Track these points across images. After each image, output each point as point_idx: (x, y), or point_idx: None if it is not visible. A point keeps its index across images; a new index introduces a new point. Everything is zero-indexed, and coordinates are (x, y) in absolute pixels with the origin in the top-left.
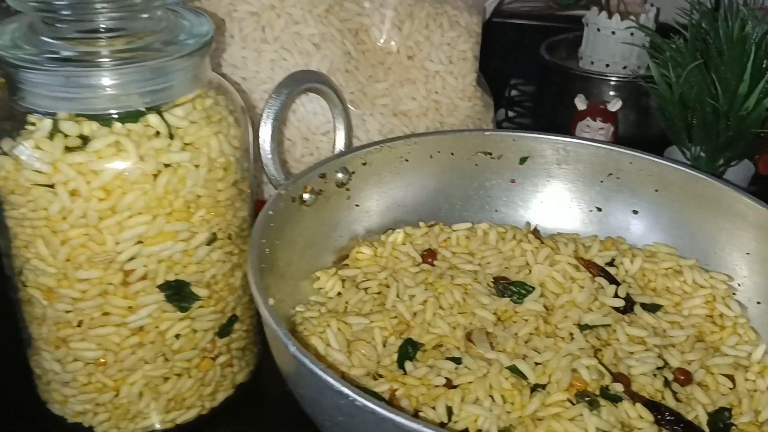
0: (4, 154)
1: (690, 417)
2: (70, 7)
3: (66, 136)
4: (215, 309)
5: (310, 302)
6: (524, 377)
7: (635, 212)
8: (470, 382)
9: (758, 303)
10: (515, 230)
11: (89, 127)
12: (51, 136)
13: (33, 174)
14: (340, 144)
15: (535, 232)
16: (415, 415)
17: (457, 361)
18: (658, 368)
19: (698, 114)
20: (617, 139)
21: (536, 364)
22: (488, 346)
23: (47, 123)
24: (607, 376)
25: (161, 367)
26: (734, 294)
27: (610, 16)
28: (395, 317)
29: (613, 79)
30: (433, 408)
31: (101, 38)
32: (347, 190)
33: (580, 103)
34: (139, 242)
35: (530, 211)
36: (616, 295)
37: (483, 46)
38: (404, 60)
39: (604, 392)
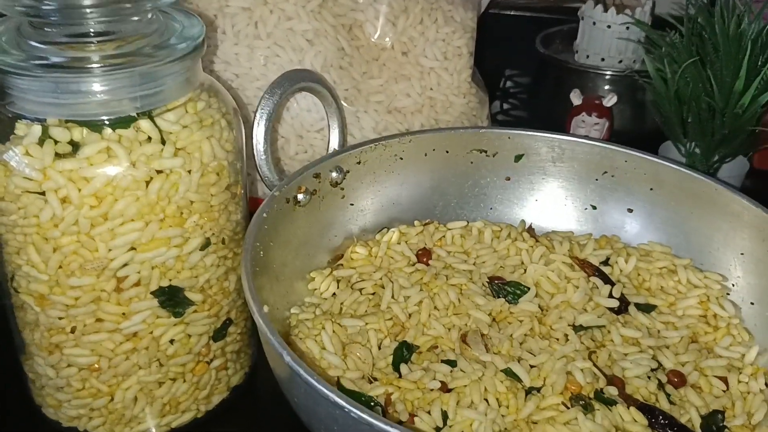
0: None
1: (683, 420)
2: (58, 12)
3: (56, 142)
4: (209, 313)
5: (305, 304)
6: (519, 380)
7: (630, 211)
8: (465, 386)
9: (752, 304)
10: (510, 228)
11: (80, 133)
12: (41, 142)
13: (23, 181)
14: (334, 143)
15: (530, 231)
16: (411, 419)
17: (452, 363)
18: (652, 370)
19: (694, 110)
20: (612, 135)
21: (531, 366)
22: (483, 348)
23: (37, 129)
24: (601, 379)
25: (156, 372)
26: (728, 294)
27: (605, 10)
28: (390, 319)
29: (608, 73)
30: (429, 412)
31: (91, 43)
32: (342, 189)
33: (576, 98)
34: (132, 249)
35: (525, 209)
36: (610, 296)
37: (478, 37)
38: (399, 56)
39: (599, 395)
